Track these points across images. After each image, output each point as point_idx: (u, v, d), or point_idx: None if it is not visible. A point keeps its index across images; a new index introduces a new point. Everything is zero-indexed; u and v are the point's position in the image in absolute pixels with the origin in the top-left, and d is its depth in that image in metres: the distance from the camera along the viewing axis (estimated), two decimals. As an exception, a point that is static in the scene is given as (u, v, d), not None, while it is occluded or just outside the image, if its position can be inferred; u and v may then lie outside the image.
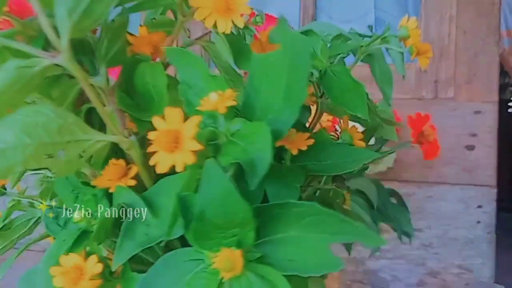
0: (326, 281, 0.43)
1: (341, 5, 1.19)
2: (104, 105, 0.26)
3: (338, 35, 0.33)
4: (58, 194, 0.30)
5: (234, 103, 0.21)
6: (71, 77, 0.26)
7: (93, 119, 0.28)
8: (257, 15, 0.36)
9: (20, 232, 0.34)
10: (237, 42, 0.28)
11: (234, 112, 0.22)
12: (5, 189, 0.35)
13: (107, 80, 0.27)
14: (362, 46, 0.32)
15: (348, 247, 0.49)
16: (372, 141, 0.55)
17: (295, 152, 0.26)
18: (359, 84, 0.25)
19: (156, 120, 0.20)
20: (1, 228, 0.34)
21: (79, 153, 0.24)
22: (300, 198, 0.35)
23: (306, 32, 0.30)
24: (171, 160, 0.19)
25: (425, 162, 1.11)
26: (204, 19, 0.21)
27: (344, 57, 0.34)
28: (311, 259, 0.19)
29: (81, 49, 0.28)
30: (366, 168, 0.59)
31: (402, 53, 0.32)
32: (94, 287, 0.24)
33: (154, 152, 0.20)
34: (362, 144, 0.31)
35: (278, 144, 0.26)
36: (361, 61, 0.34)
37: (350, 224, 0.19)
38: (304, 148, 0.26)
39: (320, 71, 0.28)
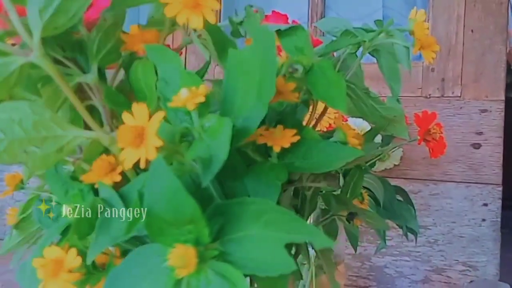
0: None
1: (350, 3, 1.17)
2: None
3: (345, 30, 0.32)
4: (50, 188, 0.30)
5: (203, 99, 0.19)
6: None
7: (94, 116, 0.28)
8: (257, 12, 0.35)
9: (37, 225, 0.34)
10: (221, 38, 0.26)
11: (208, 108, 0.20)
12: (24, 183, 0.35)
13: (97, 78, 0.27)
14: (365, 41, 0.31)
15: (354, 243, 0.48)
16: (378, 139, 0.54)
17: (277, 149, 0.25)
18: (339, 78, 0.24)
19: (125, 116, 0.19)
20: (20, 221, 0.34)
21: (57, 148, 0.23)
22: (297, 197, 0.34)
23: (292, 28, 0.29)
24: (136, 156, 0.18)
25: (431, 159, 1.08)
26: (175, 16, 0.20)
27: (353, 53, 0.32)
28: (267, 259, 0.18)
29: (76, 48, 0.27)
30: (373, 165, 0.57)
31: (408, 48, 0.30)
32: (74, 280, 0.24)
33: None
34: (355, 141, 0.30)
35: (262, 140, 0.25)
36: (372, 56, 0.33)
37: (301, 224, 0.17)
38: (286, 145, 0.25)
39: (305, 66, 0.26)
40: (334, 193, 0.37)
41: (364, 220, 0.38)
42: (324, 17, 1.15)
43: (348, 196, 0.36)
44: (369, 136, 0.36)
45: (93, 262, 0.25)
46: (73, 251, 0.24)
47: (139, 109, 0.19)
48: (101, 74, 0.28)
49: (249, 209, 0.19)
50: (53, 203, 0.29)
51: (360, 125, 0.65)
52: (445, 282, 0.98)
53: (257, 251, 0.18)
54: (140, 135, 0.18)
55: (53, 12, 0.21)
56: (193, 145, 0.20)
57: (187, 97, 0.20)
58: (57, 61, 0.26)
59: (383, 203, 0.48)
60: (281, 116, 0.28)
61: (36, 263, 0.24)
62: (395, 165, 1.01)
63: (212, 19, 0.20)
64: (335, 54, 0.34)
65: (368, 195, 0.47)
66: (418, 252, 1.03)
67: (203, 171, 0.19)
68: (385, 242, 0.54)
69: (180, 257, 0.18)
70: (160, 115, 0.19)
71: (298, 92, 0.26)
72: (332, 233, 0.41)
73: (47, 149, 0.22)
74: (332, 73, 0.24)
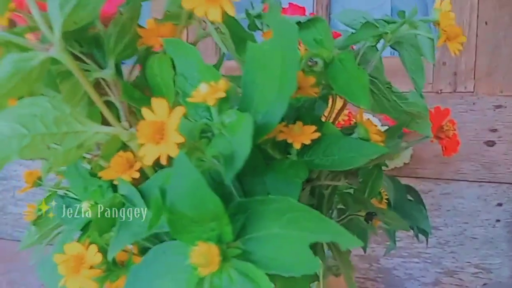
0: (339, 279, 0.42)
1: (356, -5, 1.16)
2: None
3: (365, 22, 0.31)
4: (69, 184, 0.31)
5: (223, 94, 0.20)
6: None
7: (112, 111, 0.28)
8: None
9: (55, 222, 0.35)
10: (239, 31, 0.27)
11: (228, 104, 0.21)
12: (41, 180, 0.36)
13: (115, 73, 0.27)
14: (387, 33, 0.30)
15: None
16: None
17: (297, 146, 0.25)
18: (362, 72, 0.24)
19: (145, 112, 0.20)
20: (37, 218, 0.35)
21: (78, 144, 0.24)
22: (314, 196, 0.34)
23: (312, 20, 0.29)
24: (157, 152, 0.19)
25: (443, 158, 1.08)
26: (193, 8, 0.20)
27: (373, 46, 0.32)
28: (291, 258, 0.18)
29: (93, 43, 0.28)
30: (385, 164, 0.57)
31: (432, 39, 0.30)
32: (94, 276, 0.24)
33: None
34: (378, 138, 0.30)
35: (281, 137, 0.26)
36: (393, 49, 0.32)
37: (328, 223, 0.18)
38: (307, 142, 0.25)
39: (325, 60, 0.27)
40: (350, 192, 0.38)
41: (382, 220, 0.38)
42: (329, 10, 1.15)
43: (366, 195, 0.36)
44: (391, 132, 0.36)
45: (113, 259, 0.26)
46: (94, 247, 0.24)
47: (159, 104, 0.19)
48: (118, 69, 0.28)
49: (271, 207, 0.19)
50: (71, 200, 0.30)
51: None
52: (456, 285, 0.99)
53: (280, 250, 0.19)
54: (160, 131, 0.19)
55: (73, 6, 0.21)
56: (214, 142, 0.21)
57: (207, 92, 0.20)
58: (74, 57, 0.26)
59: (393, 203, 0.48)
60: (300, 112, 0.28)
61: (57, 259, 0.24)
62: (405, 163, 1.02)
63: (231, 12, 0.20)
64: (354, 47, 0.34)
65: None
66: (429, 253, 1.03)
67: (226, 168, 0.20)
68: (394, 243, 0.54)
69: (203, 255, 0.18)
70: (180, 110, 0.19)
71: (317, 86, 0.26)
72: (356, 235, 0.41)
73: (68, 145, 0.23)
74: (354, 67, 0.24)
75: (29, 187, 0.36)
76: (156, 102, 0.19)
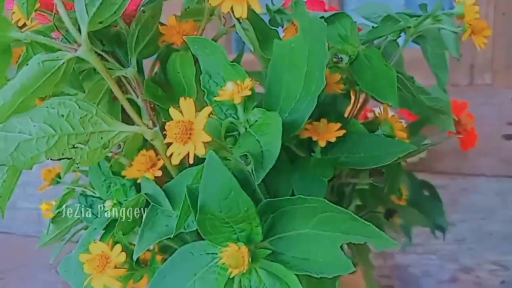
0: (356, 278, 0.42)
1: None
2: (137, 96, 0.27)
3: (386, 16, 0.31)
4: (92, 183, 0.31)
5: (249, 93, 0.20)
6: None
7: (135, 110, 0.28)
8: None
9: (73, 219, 0.35)
10: (262, 28, 0.27)
11: (253, 102, 0.21)
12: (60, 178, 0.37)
13: (137, 71, 0.27)
14: (410, 27, 0.30)
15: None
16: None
17: (323, 144, 0.25)
18: (389, 68, 0.24)
19: (173, 111, 0.20)
20: (56, 215, 0.35)
21: (103, 144, 0.24)
22: (334, 193, 0.34)
23: (336, 15, 0.28)
24: (184, 151, 0.19)
25: (459, 152, 1.06)
26: (219, 4, 0.20)
27: (395, 40, 0.31)
28: (323, 259, 0.18)
29: (115, 41, 0.28)
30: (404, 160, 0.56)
31: (457, 34, 0.29)
32: (119, 275, 0.25)
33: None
34: (404, 135, 0.29)
35: (306, 135, 0.25)
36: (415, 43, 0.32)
37: (361, 224, 0.18)
38: (333, 139, 0.25)
39: (350, 56, 0.26)
40: (368, 188, 0.37)
41: (403, 217, 0.38)
42: (342, 3, 1.14)
43: (386, 192, 0.36)
44: (413, 128, 0.35)
45: (137, 258, 0.26)
46: (118, 247, 0.25)
47: (187, 104, 0.19)
48: (139, 67, 0.28)
49: (302, 207, 0.19)
50: (93, 199, 0.30)
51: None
52: (473, 282, 0.98)
53: (311, 251, 0.19)
54: (188, 130, 0.19)
55: (98, 6, 0.21)
56: (241, 140, 0.21)
57: (233, 90, 0.20)
58: (97, 55, 0.26)
59: (409, 199, 0.48)
60: (322, 108, 0.28)
61: (83, 258, 0.25)
62: (421, 158, 1.01)
63: (258, 8, 0.20)
64: (375, 42, 0.33)
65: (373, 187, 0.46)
66: (445, 250, 1.02)
67: (255, 168, 0.20)
68: (410, 240, 0.54)
69: (233, 256, 0.18)
70: (207, 110, 0.19)
71: (343, 83, 0.26)
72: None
73: (94, 144, 0.23)
74: (381, 63, 0.24)
75: (47, 185, 0.37)
76: (183, 102, 0.19)
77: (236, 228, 0.19)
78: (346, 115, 0.31)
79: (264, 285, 0.18)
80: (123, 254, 0.24)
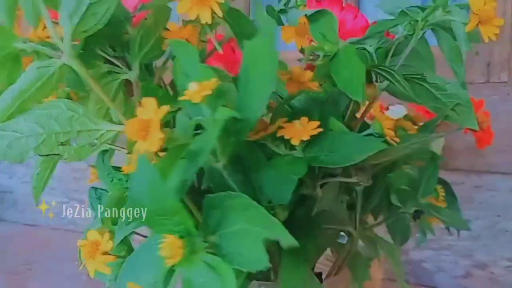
0: (374, 281, 0.41)
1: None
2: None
3: (401, 11, 0.29)
4: (99, 177, 0.33)
5: (209, 92, 0.20)
6: (111, 72, 0.28)
7: None
8: None
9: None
10: (243, 24, 0.26)
11: (220, 101, 0.21)
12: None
13: (139, 75, 0.28)
14: (417, 20, 0.28)
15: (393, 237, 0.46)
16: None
17: (296, 142, 0.24)
18: (358, 63, 0.23)
19: (139, 109, 0.20)
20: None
21: (90, 141, 0.25)
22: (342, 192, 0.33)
23: (319, 12, 0.27)
24: (144, 147, 0.19)
25: (475, 149, 1.01)
26: (186, 12, 0.20)
27: (411, 34, 0.29)
28: (250, 254, 0.18)
29: (125, 47, 0.29)
30: (441, 158, 0.53)
31: (465, 25, 0.27)
32: (108, 261, 0.26)
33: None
34: (391, 133, 0.27)
35: (280, 133, 0.25)
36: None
37: (272, 221, 0.18)
38: (305, 138, 0.24)
39: (327, 53, 0.25)
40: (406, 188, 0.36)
41: (439, 219, 0.36)
42: (359, 2, 1.11)
43: (421, 193, 0.34)
44: (426, 126, 0.34)
45: (129, 246, 0.27)
46: (107, 235, 0.26)
47: (148, 103, 0.19)
48: (149, 70, 0.29)
49: (236, 203, 0.19)
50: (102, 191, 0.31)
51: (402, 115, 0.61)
52: (488, 278, 0.93)
53: (242, 245, 0.19)
54: (146, 128, 0.19)
55: (81, 16, 0.22)
56: (197, 138, 0.21)
57: (195, 90, 0.20)
58: (106, 60, 0.28)
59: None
60: (323, 107, 0.27)
61: (79, 243, 0.26)
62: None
63: (219, 12, 0.20)
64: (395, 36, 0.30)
65: (409, 186, 0.45)
66: (459, 246, 0.98)
67: (187, 164, 0.20)
68: (425, 236, 0.51)
69: (169, 247, 0.19)
70: (164, 109, 0.19)
71: (320, 81, 0.25)
72: (400, 231, 0.38)
73: (81, 142, 0.24)
74: (355, 59, 0.23)
75: (94, 179, 0.38)
76: (145, 100, 0.20)
77: (173, 221, 0.19)
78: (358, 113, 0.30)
79: (201, 277, 0.18)
80: (111, 242, 0.25)
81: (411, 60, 0.30)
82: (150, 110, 0.19)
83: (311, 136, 0.25)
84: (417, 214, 0.37)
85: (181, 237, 0.18)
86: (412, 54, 0.30)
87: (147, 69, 0.30)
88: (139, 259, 0.21)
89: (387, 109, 0.55)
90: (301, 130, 0.25)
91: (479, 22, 0.26)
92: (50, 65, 0.24)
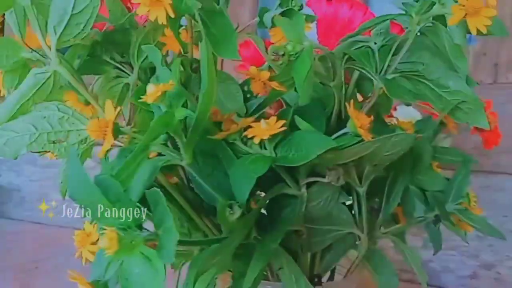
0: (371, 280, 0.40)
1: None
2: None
3: (405, 5, 0.27)
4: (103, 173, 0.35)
5: (159, 94, 0.21)
6: (116, 77, 0.30)
7: None
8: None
9: None
10: (221, 24, 0.25)
11: (179, 101, 0.22)
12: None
13: (137, 79, 0.30)
14: (412, 16, 0.27)
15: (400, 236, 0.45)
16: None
17: (257, 141, 0.25)
18: (304, 63, 0.23)
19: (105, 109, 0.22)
20: None
21: (81, 140, 0.27)
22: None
23: (289, 11, 0.27)
24: (106, 146, 0.21)
25: (482, 150, 0.97)
26: (146, 14, 0.22)
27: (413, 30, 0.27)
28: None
29: (129, 53, 0.30)
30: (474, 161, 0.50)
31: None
32: (95, 251, 0.27)
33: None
34: (363, 132, 0.26)
35: (246, 133, 0.26)
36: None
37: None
38: (265, 137, 0.25)
39: (289, 53, 0.24)
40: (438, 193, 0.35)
41: (471, 225, 0.35)
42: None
43: (451, 198, 0.33)
44: (426, 125, 0.33)
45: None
46: (94, 226, 0.27)
47: (108, 105, 0.21)
48: (153, 74, 0.29)
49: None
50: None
51: (411, 114, 0.59)
52: (494, 278, 0.90)
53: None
54: (104, 128, 0.21)
55: (65, 26, 0.24)
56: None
57: (150, 92, 0.21)
58: (113, 66, 0.30)
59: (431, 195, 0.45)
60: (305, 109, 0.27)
61: (75, 233, 0.28)
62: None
63: (171, 13, 0.21)
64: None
65: (415, 186, 0.43)
66: (466, 246, 0.94)
67: (148, 163, 0.22)
68: (440, 244, 0.50)
69: (106, 238, 0.20)
70: (116, 110, 0.21)
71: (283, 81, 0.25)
72: (434, 237, 0.37)
73: (71, 140, 0.26)
74: (307, 59, 0.23)
75: None
76: (107, 103, 0.21)
77: (115, 215, 0.20)
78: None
79: (137, 267, 0.20)
80: (96, 234, 0.27)
81: (421, 57, 0.29)
82: (109, 111, 0.21)
83: (284, 136, 0.25)
84: (435, 220, 0.36)
85: (123, 230, 0.20)
86: (422, 51, 0.28)
87: (152, 73, 0.30)
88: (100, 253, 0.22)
89: (395, 109, 0.53)
90: (264, 130, 0.25)
91: (466, 14, 0.24)
92: (45, 72, 0.26)
